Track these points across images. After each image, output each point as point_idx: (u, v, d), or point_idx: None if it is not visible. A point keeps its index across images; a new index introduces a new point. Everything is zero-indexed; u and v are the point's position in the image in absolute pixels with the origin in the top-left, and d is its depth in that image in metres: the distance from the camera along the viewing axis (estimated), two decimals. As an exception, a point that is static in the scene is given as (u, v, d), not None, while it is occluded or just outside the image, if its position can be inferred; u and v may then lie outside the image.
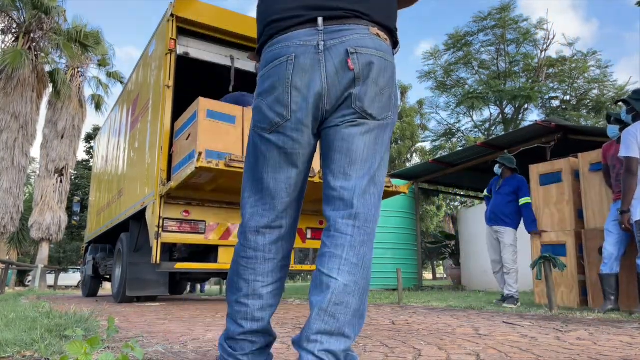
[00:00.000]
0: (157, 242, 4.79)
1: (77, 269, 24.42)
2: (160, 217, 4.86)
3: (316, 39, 1.27)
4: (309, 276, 28.57)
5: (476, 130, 22.02)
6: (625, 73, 59.38)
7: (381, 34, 1.33)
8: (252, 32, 5.63)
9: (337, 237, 1.27)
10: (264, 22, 1.38)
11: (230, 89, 5.50)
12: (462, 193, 18.83)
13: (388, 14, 1.38)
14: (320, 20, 1.28)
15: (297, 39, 1.28)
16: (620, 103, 4.20)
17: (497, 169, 5.41)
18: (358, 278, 1.25)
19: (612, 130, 4.37)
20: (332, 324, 1.20)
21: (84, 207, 19.34)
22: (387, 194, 5.47)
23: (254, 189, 1.40)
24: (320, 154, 1.42)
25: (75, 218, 14.41)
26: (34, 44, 16.47)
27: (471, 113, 21.29)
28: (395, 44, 1.42)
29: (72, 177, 23.91)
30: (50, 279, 20.73)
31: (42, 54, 16.69)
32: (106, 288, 14.12)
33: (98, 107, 19.38)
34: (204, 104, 4.80)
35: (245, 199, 1.42)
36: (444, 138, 23.16)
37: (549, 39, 19.43)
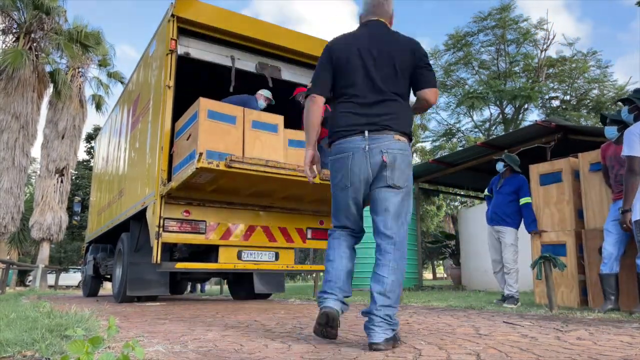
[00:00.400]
0: (158, 242, 4.79)
1: (78, 268, 24.41)
2: (160, 217, 4.85)
3: (364, 144, 2.26)
4: (309, 276, 28.51)
5: (476, 130, 22.01)
6: (621, 73, 59.25)
7: (401, 138, 2.28)
8: (253, 32, 5.63)
9: (384, 254, 2.23)
10: (334, 128, 2.36)
11: (231, 89, 5.49)
12: (462, 193, 18.82)
13: (406, 125, 2.32)
14: (366, 132, 2.26)
15: (353, 143, 2.28)
16: (620, 103, 4.18)
17: (500, 166, 5.36)
18: (398, 276, 2.21)
19: (611, 131, 4.32)
20: (387, 301, 2.17)
21: (84, 207, 19.29)
22: None
23: (338, 213, 2.43)
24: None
25: (76, 218, 14.41)
26: (35, 44, 16.46)
27: (471, 113, 21.27)
28: (410, 139, 2.36)
29: (73, 177, 23.90)
30: (50, 278, 20.74)
31: (43, 54, 16.66)
32: (107, 288, 14.14)
33: (98, 107, 19.35)
34: (204, 104, 4.79)
35: (334, 214, 2.46)
36: (444, 138, 23.14)
37: (549, 39, 19.44)
